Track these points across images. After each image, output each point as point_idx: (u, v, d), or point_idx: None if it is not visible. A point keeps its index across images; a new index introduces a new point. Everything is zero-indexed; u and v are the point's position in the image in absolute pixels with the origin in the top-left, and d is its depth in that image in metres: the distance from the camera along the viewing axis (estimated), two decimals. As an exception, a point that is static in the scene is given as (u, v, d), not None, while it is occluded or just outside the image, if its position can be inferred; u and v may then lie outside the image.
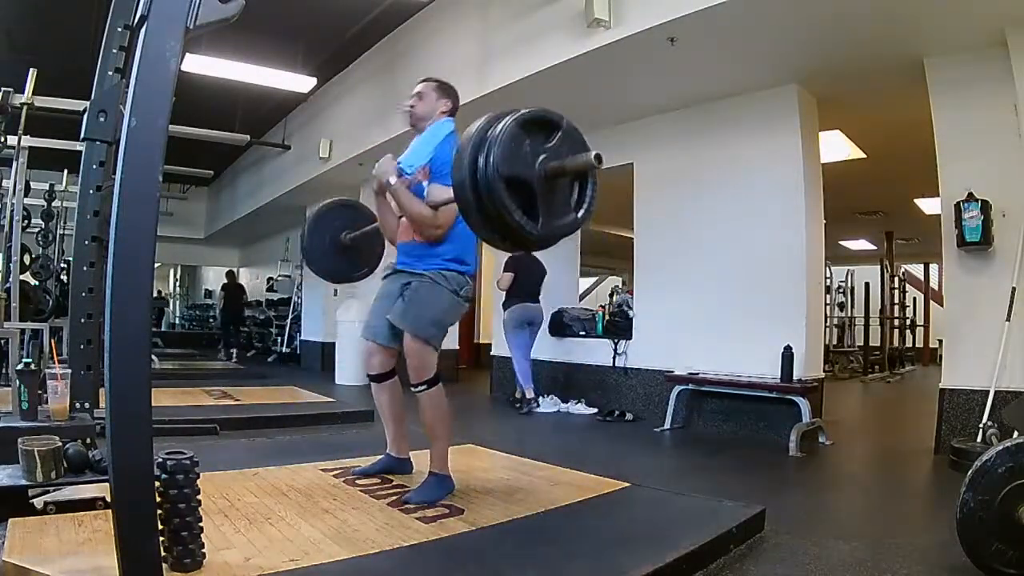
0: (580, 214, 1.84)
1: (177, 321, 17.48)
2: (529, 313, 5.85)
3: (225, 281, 12.59)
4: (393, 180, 2.47)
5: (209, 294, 16.63)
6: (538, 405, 5.73)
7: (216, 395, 5.53)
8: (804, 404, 4.22)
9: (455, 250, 2.55)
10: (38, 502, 2.11)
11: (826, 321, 8.87)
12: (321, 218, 3.22)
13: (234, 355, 10.91)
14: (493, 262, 6.33)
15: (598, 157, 1.71)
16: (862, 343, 11.14)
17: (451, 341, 7.91)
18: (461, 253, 2.57)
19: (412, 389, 2.53)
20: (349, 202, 3.36)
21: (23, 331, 4.79)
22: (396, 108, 2.86)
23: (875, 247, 11.83)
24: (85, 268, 2.45)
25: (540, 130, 1.80)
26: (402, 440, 2.82)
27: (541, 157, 1.75)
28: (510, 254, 5.92)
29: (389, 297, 2.64)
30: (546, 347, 6.26)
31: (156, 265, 1.63)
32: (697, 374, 4.79)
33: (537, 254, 6.17)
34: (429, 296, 2.51)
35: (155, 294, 15.47)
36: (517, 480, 2.88)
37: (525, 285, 5.82)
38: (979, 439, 3.44)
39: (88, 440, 2.29)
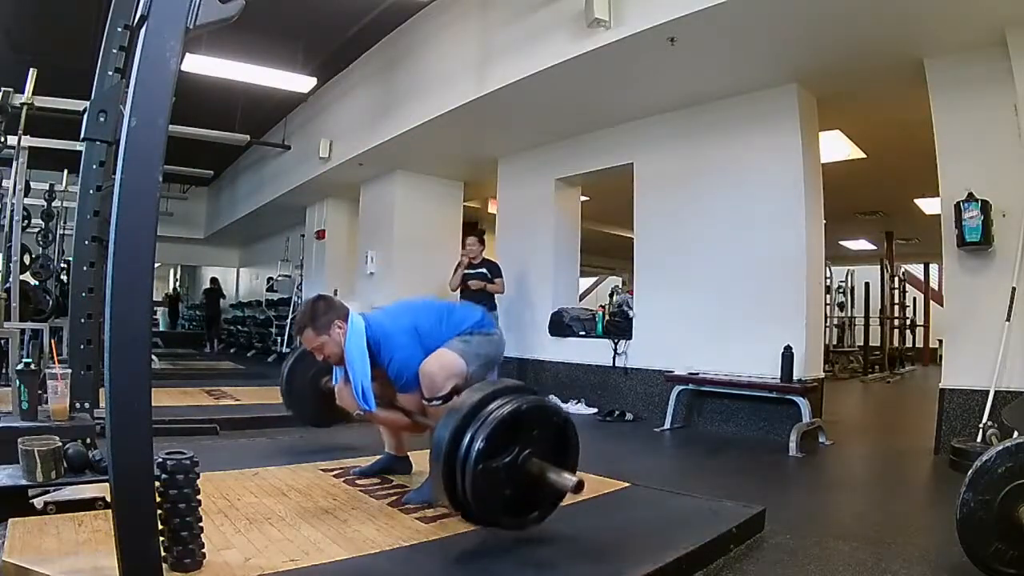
0: (532, 517, 1.96)
1: (169, 320, 17.51)
2: None
3: (208, 286, 14.84)
4: (360, 414, 2.46)
5: (223, 294, 16.66)
6: None
7: (216, 395, 5.53)
8: (804, 404, 4.22)
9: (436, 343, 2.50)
10: (38, 502, 2.11)
11: (826, 321, 8.86)
12: (299, 362, 3.22)
13: (216, 347, 13.29)
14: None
15: (579, 485, 1.83)
16: (862, 343, 11.14)
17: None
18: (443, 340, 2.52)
19: (425, 402, 2.44)
20: None
21: (23, 331, 4.78)
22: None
23: (875, 247, 11.83)
24: (85, 268, 2.45)
25: (536, 420, 1.91)
26: (400, 439, 2.82)
27: (526, 452, 1.86)
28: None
29: None
30: (546, 347, 6.27)
31: (156, 265, 1.63)
32: (697, 374, 4.79)
33: (539, 254, 6.18)
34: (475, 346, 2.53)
35: (171, 291, 15.84)
36: (517, 480, 2.87)
37: None
38: (979, 439, 3.44)
39: (88, 440, 2.29)
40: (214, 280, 14.84)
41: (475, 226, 10.32)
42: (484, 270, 5.94)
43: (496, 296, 5.99)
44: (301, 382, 3.27)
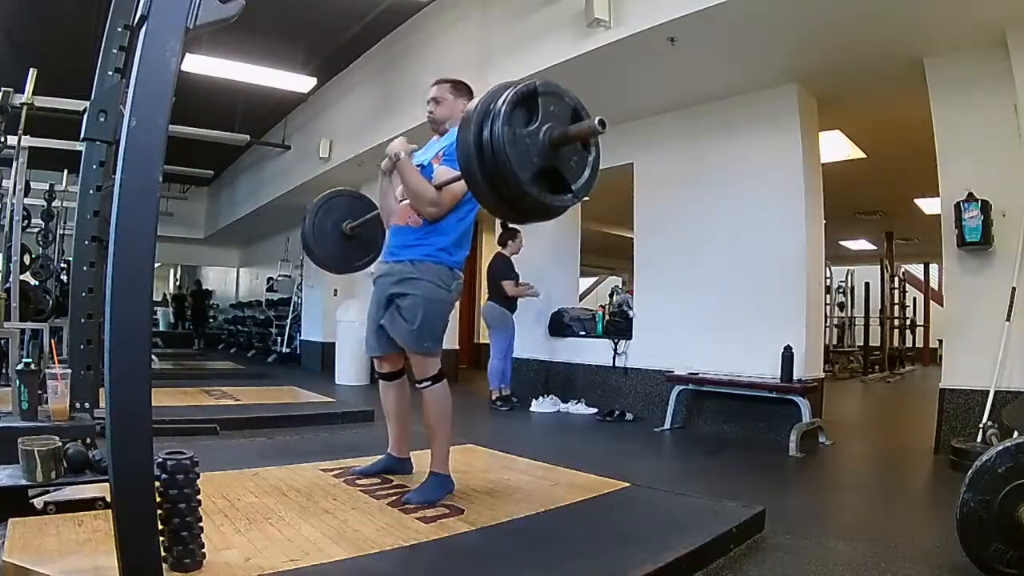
0: (582, 181, 1.86)
1: (173, 320, 17.51)
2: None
3: (193, 288, 16.29)
4: (403, 155, 2.49)
5: (209, 294, 16.70)
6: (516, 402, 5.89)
7: (216, 395, 5.53)
8: (804, 404, 4.22)
9: (446, 241, 2.54)
10: (38, 502, 2.10)
11: (826, 321, 8.86)
12: (323, 207, 3.21)
13: (202, 344, 14.36)
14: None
15: (602, 123, 1.73)
16: (862, 343, 11.15)
17: (451, 341, 7.93)
18: (451, 245, 2.56)
19: (417, 385, 2.54)
20: (350, 192, 3.34)
21: (23, 331, 4.78)
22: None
23: (875, 247, 11.84)
24: (85, 268, 2.45)
25: (541, 101, 1.82)
26: (404, 440, 2.83)
27: (547, 126, 1.77)
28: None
29: (378, 306, 2.64)
30: (546, 347, 6.27)
31: (156, 265, 1.63)
32: (697, 374, 4.79)
33: (539, 254, 6.18)
34: (419, 311, 2.48)
35: (173, 290, 16.29)
36: (517, 480, 2.88)
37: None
38: (979, 439, 3.44)
39: (88, 440, 2.29)
40: (197, 282, 16.62)
41: (475, 226, 10.32)
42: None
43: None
44: (324, 227, 3.24)
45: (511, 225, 6.04)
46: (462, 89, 2.72)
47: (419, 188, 2.48)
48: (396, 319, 2.52)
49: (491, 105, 1.72)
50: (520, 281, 6.01)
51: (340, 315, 7.61)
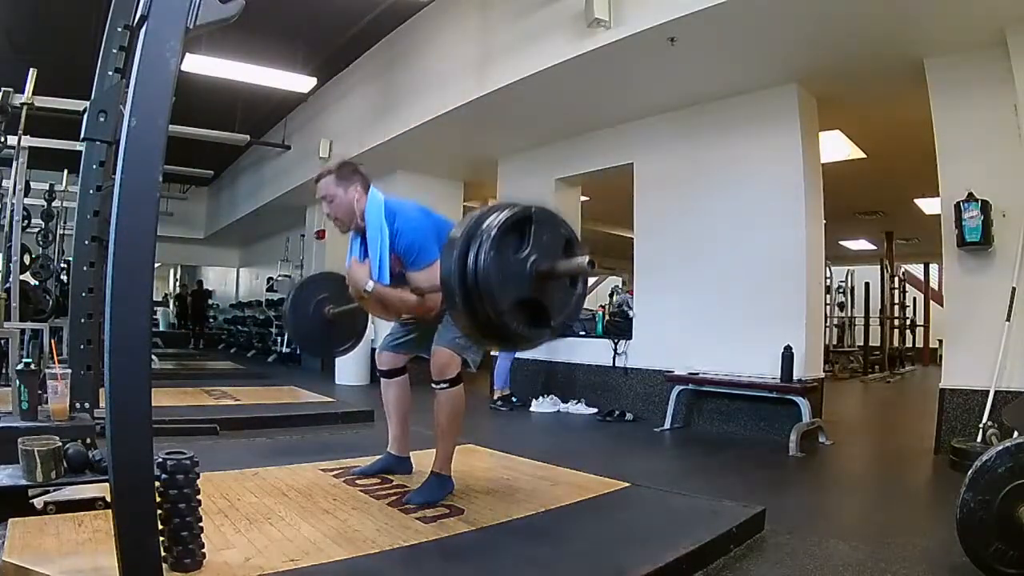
0: (563, 317, 1.84)
1: (175, 320, 17.52)
2: None
3: (194, 288, 16.10)
4: (370, 287, 2.40)
5: (210, 294, 16.71)
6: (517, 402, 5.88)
7: (216, 395, 5.53)
8: (804, 404, 4.22)
9: None
10: (38, 502, 2.10)
11: (826, 321, 8.86)
12: (303, 291, 3.19)
13: (202, 344, 14.36)
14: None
15: (591, 263, 1.72)
16: (862, 343, 11.15)
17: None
18: None
19: (433, 385, 2.49)
20: (331, 274, 3.24)
21: (23, 331, 4.78)
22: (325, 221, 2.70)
23: (875, 247, 11.83)
24: (85, 268, 2.45)
25: (533, 227, 1.78)
26: (404, 439, 2.83)
27: (533, 257, 1.75)
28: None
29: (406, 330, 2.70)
30: (546, 347, 6.25)
31: (156, 265, 1.63)
32: (697, 374, 4.79)
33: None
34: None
35: (197, 286, 16.38)
36: (517, 480, 2.88)
37: None
38: (979, 439, 3.44)
39: (88, 440, 2.29)
40: (199, 283, 16.42)
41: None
42: None
43: None
44: (305, 312, 3.23)
45: None
46: (345, 174, 2.51)
47: (412, 308, 2.46)
48: (447, 327, 2.48)
49: (480, 227, 1.70)
50: None
51: (340, 315, 7.59)
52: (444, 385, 2.49)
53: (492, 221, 1.71)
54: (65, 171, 6.92)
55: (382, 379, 2.78)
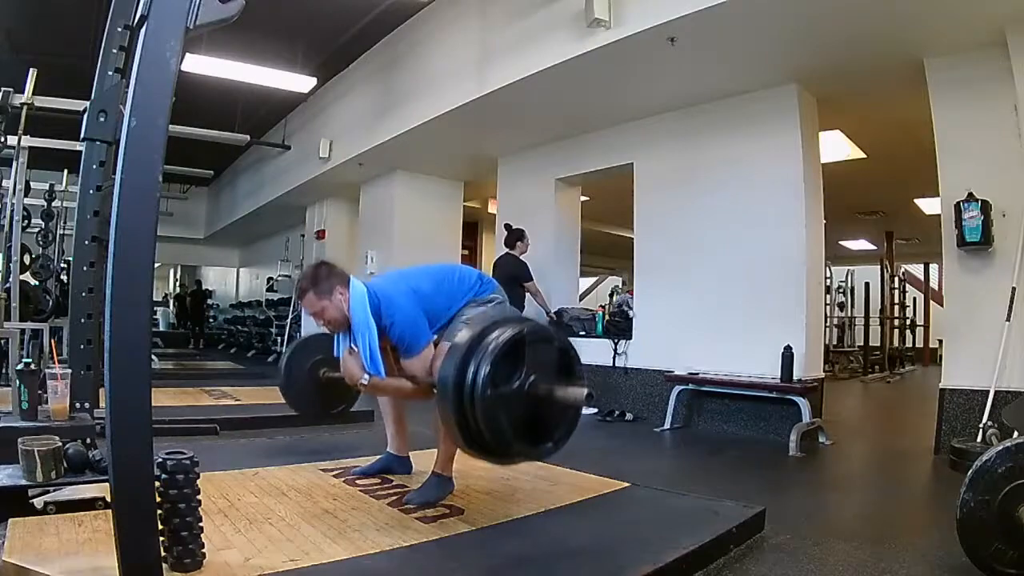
0: (553, 442, 1.92)
1: (175, 320, 17.52)
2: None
3: (193, 288, 16.10)
4: (365, 380, 2.37)
5: (209, 294, 16.71)
6: None
7: (216, 395, 5.53)
8: (804, 404, 4.22)
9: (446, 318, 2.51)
10: (38, 502, 2.11)
11: (826, 321, 8.86)
12: (297, 354, 3.18)
13: (202, 344, 14.18)
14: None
15: (590, 396, 1.78)
16: (862, 343, 11.14)
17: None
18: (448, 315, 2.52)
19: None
20: (326, 337, 3.14)
21: (23, 331, 4.78)
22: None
23: (875, 247, 11.83)
24: (85, 268, 2.45)
25: (538, 346, 1.85)
26: (402, 439, 2.83)
27: (532, 377, 1.81)
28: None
29: None
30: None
31: (156, 265, 1.64)
32: (697, 374, 4.79)
33: (539, 254, 6.18)
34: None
35: (196, 286, 16.45)
36: (517, 480, 2.88)
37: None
38: (979, 439, 3.44)
39: (88, 440, 2.29)
40: (198, 282, 16.54)
41: (475, 226, 10.32)
42: None
43: None
44: (299, 373, 3.24)
45: (516, 226, 6.02)
46: (321, 283, 2.43)
47: (403, 390, 2.47)
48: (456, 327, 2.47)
49: (473, 354, 1.77)
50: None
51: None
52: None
53: (486, 348, 1.77)
54: (65, 171, 6.92)
55: None
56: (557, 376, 1.88)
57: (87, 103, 2.48)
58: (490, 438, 1.78)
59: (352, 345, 2.42)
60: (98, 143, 2.49)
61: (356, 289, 2.44)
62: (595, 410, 5.58)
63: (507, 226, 6.12)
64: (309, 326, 10.23)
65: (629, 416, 5.31)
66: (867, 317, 11.22)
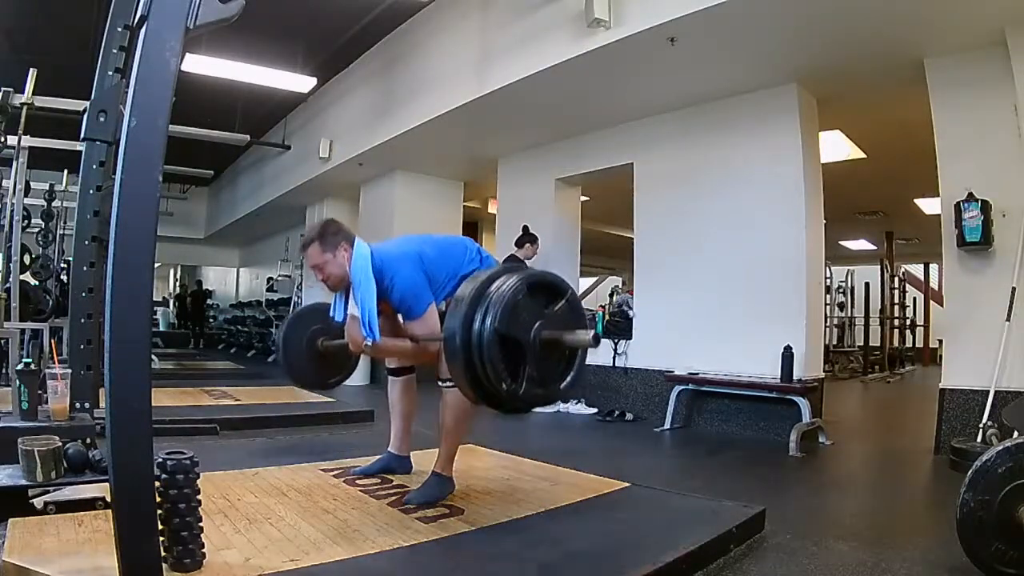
0: (563, 384, 1.94)
1: (175, 320, 17.52)
2: None
3: (193, 288, 16.44)
4: (370, 342, 2.37)
5: (209, 294, 16.72)
6: None
7: (216, 395, 5.53)
8: (804, 404, 4.22)
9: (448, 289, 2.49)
10: (38, 502, 2.11)
11: (826, 321, 8.86)
12: (296, 322, 3.18)
13: (201, 343, 14.38)
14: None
15: (596, 338, 1.79)
16: (862, 343, 11.14)
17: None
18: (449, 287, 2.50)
19: (439, 383, 2.44)
20: (323, 305, 3.16)
21: (23, 331, 4.78)
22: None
23: (875, 247, 11.84)
24: (85, 268, 2.45)
25: (543, 295, 1.85)
26: (405, 438, 2.83)
27: (537, 323, 1.81)
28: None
29: None
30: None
31: (156, 265, 1.64)
32: (697, 374, 4.79)
33: (539, 254, 6.18)
34: None
35: (196, 287, 16.52)
36: (517, 480, 2.88)
37: None
38: (979, 439, 3.44)
39: (88, 440, 2.29)
40: (199, 283, 16.79)
41: (475, 226, 10.32)
42: None
43: None
44: (298, 344, 3.23)
45: (531, 231, 6.04)
46: (328, 236, 2.46)
47: (405, 351, 2.48)
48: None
49: (487, 291, 1.77)
50: None
51: (340, 315, 7.59)
52: (451, 384, 2.43)
53: (500, 286, 1.76)
54: (65, 171, 6.92)
55: (389, 377, 2.78)
56: (564, 322, 1.88)
57: (87, 103, 2.48)
58: (502, 388, 1.77)
59: (342, 310, 2.45)
60: (98, 143, 2.49)
61: (360, 249, 2.45)
62: (595, 410, 5.59)
63: (524, 228, 6.13)
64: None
65: (629, 416, 5.31)
66: (867, 317, 11.22)
